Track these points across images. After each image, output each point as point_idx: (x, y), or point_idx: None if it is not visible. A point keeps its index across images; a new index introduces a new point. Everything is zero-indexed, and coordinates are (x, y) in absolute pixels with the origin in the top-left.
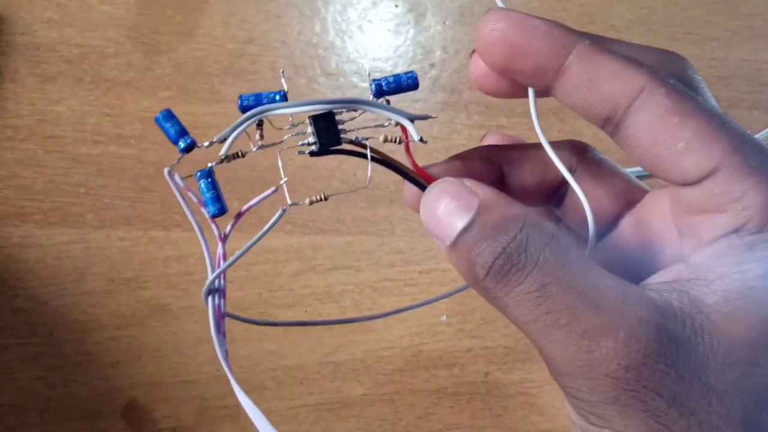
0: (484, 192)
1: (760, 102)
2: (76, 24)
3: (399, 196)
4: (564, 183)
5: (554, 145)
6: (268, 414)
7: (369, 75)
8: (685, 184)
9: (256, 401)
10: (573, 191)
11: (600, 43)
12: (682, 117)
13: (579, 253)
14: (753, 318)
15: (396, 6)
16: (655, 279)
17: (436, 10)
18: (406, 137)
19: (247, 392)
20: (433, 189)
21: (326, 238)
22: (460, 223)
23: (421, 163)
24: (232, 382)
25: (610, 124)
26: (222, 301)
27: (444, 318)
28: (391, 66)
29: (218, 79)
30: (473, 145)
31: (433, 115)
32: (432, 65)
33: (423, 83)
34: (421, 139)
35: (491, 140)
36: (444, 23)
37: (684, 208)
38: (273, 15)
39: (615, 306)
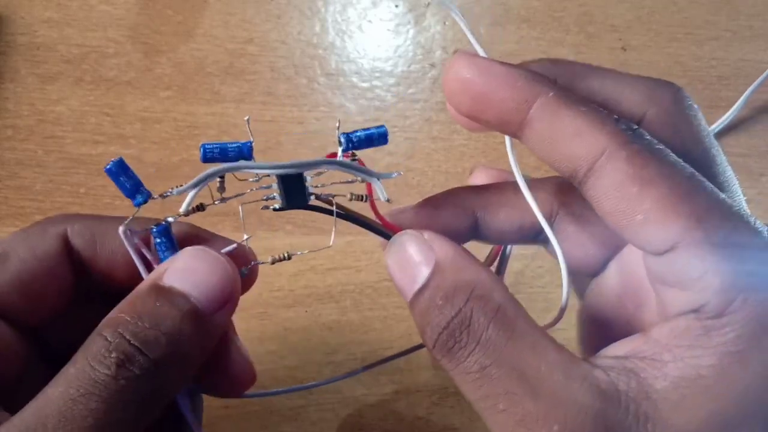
0: (442, 250)
1: (759, 102)
2: (76, 24)
3: (398, 197)
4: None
5: (536, 184)
6: (269, 414)
7: (338, 127)
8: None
9: (257, 402)
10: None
11: (565, 96)
12: (643, 186)
13: (527, 326)
14: (700, 410)
15: (396, 6)
16: (611, 351)
17: (435, 9)
18: (371, 194)
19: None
20: (394, 242)
21: (326, 237)
22: (414, 285)
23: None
24: None
25: (575, 182)
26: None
27: None
28: (391, 66)
29: (218, 78)
30: (473, 145)
31: (400, 172)
32: (432, 65)
33: (423, 83)
34: (387, 200)
35: (479, 177)
36: (444, 23)
37: (651, 274)
38: (273, 15)
39: (554, 391)
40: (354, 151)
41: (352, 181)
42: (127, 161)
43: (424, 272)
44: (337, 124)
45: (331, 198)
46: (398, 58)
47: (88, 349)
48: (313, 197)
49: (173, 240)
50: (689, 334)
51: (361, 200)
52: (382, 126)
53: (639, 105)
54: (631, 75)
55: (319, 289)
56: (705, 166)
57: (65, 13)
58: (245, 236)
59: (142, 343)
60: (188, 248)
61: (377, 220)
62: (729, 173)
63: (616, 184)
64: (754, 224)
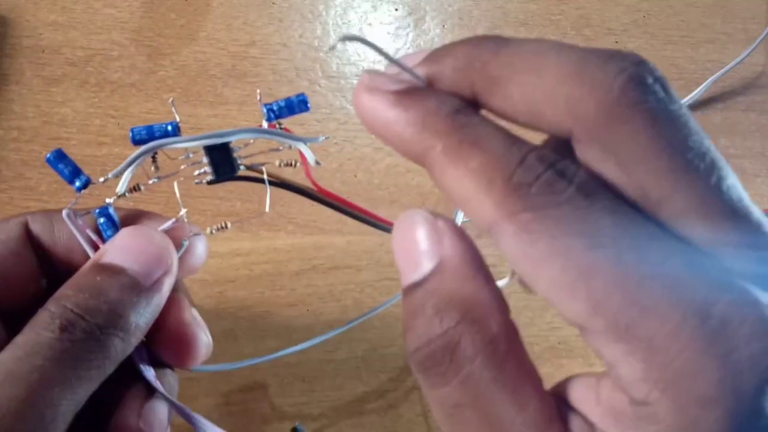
0: (450, 249)
1: (754, 104)
2: (80, 27)
3: (399, 196)
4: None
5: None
6: (271, 411)
7: (259, 100)
8: None
9: (259, 399)
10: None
11: (453, 151)
12: (534, 267)
13: (516, 367)
14: None
15: (396, 9)
16: (588, 409)
17: (435, 13)
18: (305, 161)
19: (250, 389)
20: (406, 218)
21: (327, 237)
22: (412, 274)
23: None
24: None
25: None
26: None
27: None
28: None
29: (221, 81)
30: None
31: (327, 136)
32: None
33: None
34: (316, 162)
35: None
36: (443, 27)
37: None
38: (275, 18)
39: None
40: (279, 120)
41: (279, 149)
42: None
43: (426, 266)
44: (258, 97)
45: (261, 167)
46: None
47: (34, 321)
48: (242, 168)
49: (114, 220)
50: (622, 421)
51: (292, 166)
52: (301, 94)
53: (560, 121)
54: (562, 61)
55: (320, 288)
56: (670, 193)
57: (70, 16)
58: (183, 210)
59: (84, 310)
60: (125, 228)
61: (313, 186)
62: (729, 187)
63: (510, 257)
64: (679, 297)
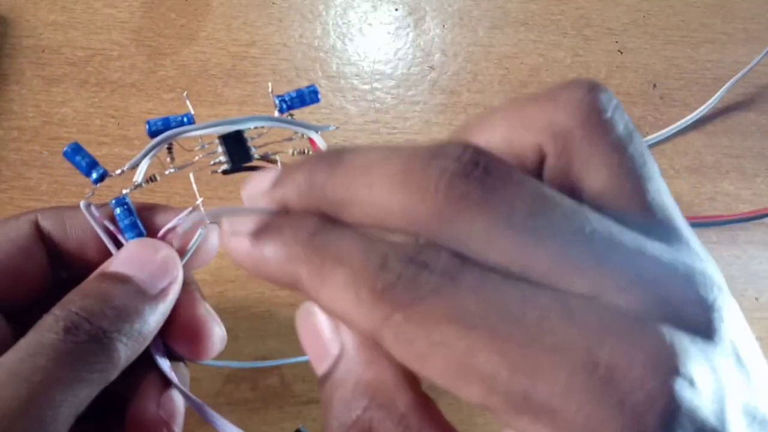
0: (348, 333)
1: (754, 104)
2: (80, 27)
3: None
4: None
5: None
6: (272, 410)
7: (271, 92)
8: None
9: (260, 399)
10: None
11: (318, 274)
12: (420, 362)
13: None
14: None
15: (396, 9)
16: None
17: (435, 13)
18: (315, 148)
19: (251, 389)
20: (306, 308)
21: None
22: (322, 363)
23: None
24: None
25: None
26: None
27: None
28: (391, 68)
29: (221, 81)
30: None
31: (336, 126)
32: (431, 68)
33: (422, 86)
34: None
35: None
36: (443, 26)
37: None
38: (275, 18)
39: None
40: (290, 111)
41: (290, 139)
42: None
43: (333, 352)
44: (270, 89)
45: (274, 156)
46: (398, 60)
47: (39, 324)
48: (256, 157)
49: (132, 209)
50: None
51: (304, 154)
52: (312, 85)
53: (406, 231)
54: (387, 171)
55: None
56: (533, 257)
57: (70, 16)
58: (199, 200)
59: (89, 314)
60: (131, 241)
61: None
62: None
63: (398, 359)
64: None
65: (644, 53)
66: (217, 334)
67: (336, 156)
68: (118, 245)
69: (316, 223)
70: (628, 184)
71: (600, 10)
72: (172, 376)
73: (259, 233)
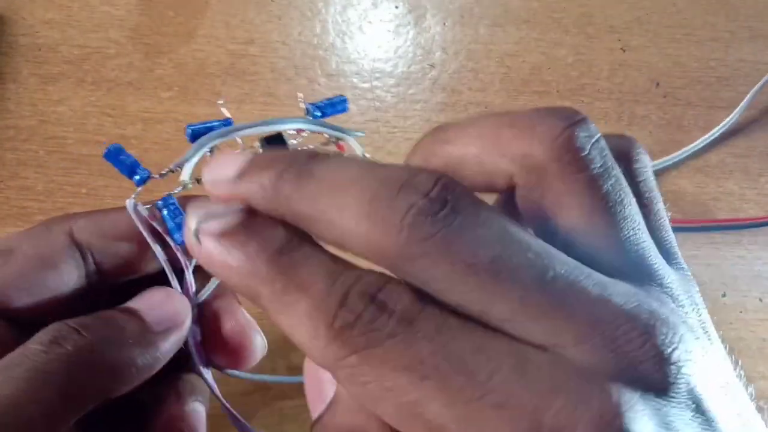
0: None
1: (759, 103)
2: (77, 25)
3: None
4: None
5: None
6: (271, 413)
7: (303, 100)
8: None
9: (259, 401)
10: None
11: (279, 298)
12: (373, 404)
13: None
14: None
15: (396, 7)
16: None
17: (435, 11)
18: (343, 152)
19: (251, 392)
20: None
21: None
22: (319, 405)
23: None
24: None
25: None
26: (198, 331)
27: None
28: (391, 67)
29: (219, 79)
30: None
31: (363, 132)
32: (432, 66)
33: (423, 84)
34: (363, 155)
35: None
36: (444, 24)
37: None
38: (274, 16)
39: None
40: (322, 117)
41: (325, 144)
42: None
43: (328, 396)
44: (301, 97)
45: None
46: (398, 58)
47: (33, 337)
48: None
49: (179, 209)
50: None
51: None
52: (342, 96)
53: (367, 256)
54: (359, 194)
55: None
56: (490, 303)
57: (67, 14)
58: None
59: (82, 327)
60: (150, 288)
61: None
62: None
63: (352, 397)
64: None
65: (647, 51)
66: (258, 342)
67: (306, 166)
68: (165, 247)
69: (282, 237)
70: (601, 222)
71: (602, 7)
72: (214, 388)
73: (226, 237)
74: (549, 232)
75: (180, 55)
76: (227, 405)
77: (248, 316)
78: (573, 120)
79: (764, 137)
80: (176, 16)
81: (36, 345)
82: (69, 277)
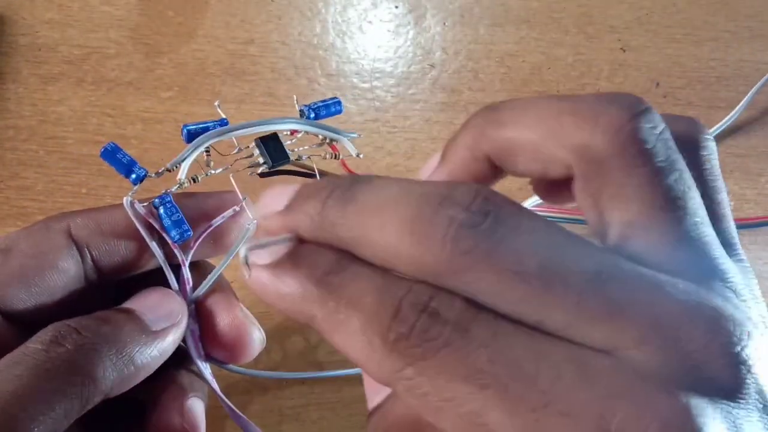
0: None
1: (758, 102)
2: (77, 25)
3: None
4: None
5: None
6: (270, 413)
7: (297, 102)
8: None
9: (258, 401)
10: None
11: (332, 318)
12: (434, 415)
13: None
14: None
15: (396, 7)
16: None
17: (435, 11)
18: (336, 153)
19: (248, 391)
20: None
21: None
22: (375, 397)
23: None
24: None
25: None
26: (197, 326)
27: None
28: (391, 67)
29: (219, 79)
30: None
31: (360, 134)
32: (432, 66)
33: (423, 84)
34: (358, 155)
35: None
36: (444, 24)
37: None
38: (274, 16)
39: None
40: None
41: (320, 144)
42: None
43: (387, 389)
44: (295, 99)
45: (307, 160)
46: (398, 58)
47: (33, 336)
48: (293, 159)
49: (176, 206)
50: None
51: (336, 158)
52: (337, 98)
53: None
54: (400, 216)
55: None
56: (550, 310)
57: (66, 14)
58: (243, 199)
59: (81, 327)
60: (147, 288)
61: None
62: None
63: (414, 408)
64: None
65: (647, 51)
66: (257, 336)
67: (348, 191)
68: (162, 244)
69: (331, 260)
70: (661, 217)
71: (602, 7)
72: (214, 384)
73: (276, 266)
74: (607, 226)
75: (180, 55)
76: (225, 399)
77: (246, 310)
78: (638, 110)
79: (764, 137)
80: (176, 16)
81: (36, 344)
82: (67, 274)
